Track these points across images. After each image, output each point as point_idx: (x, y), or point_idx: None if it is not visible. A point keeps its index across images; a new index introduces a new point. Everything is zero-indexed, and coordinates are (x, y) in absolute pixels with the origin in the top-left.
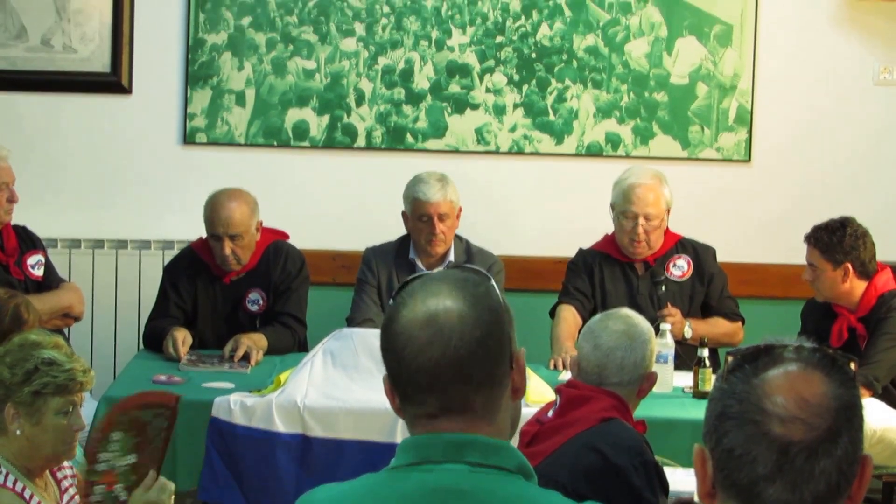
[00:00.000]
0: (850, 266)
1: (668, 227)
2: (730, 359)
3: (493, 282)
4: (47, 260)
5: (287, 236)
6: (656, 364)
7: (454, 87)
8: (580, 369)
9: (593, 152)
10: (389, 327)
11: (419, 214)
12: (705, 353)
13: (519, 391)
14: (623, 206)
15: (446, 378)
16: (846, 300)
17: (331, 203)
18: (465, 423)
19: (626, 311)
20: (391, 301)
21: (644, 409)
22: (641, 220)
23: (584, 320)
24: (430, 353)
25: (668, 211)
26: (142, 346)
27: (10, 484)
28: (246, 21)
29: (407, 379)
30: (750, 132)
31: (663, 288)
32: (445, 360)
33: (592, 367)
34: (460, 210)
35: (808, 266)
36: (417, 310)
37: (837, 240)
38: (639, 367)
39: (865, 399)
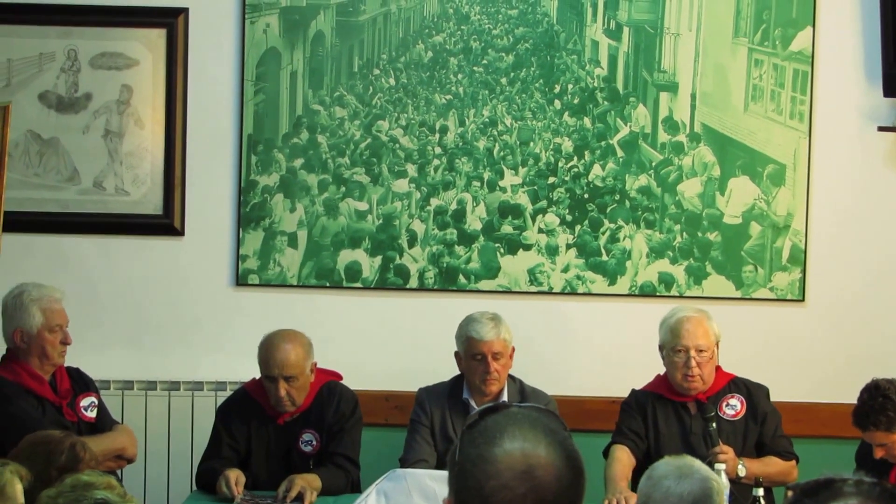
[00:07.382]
0: None
1: (720, 366)
2: (789, 493)
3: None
4: (100, 402)
5: (340, 377)
6: None
7: (506, 228)
8: None
9: (646, 293)
10: (478, 466)
11: (473, 353)
12: (760, 492)
13: None
14: (673, 341)
15: None
16: None
17: (383, 344)
18: None
19: (691, 458)
20: (467, 429)
21: None
22: (693, 353)
23: (638, 460)
24: None
25: (718, 344)
26: (194, 487)
27: None
28: (298, 163)
29: None
30: (804, 272)
31: (713, 424)
32: None
33: (641, 499)
34: (513, 350)
35: (877, 447)
36: (514, 456)
37: (893, 411)
38: (684, 502)
39: None
